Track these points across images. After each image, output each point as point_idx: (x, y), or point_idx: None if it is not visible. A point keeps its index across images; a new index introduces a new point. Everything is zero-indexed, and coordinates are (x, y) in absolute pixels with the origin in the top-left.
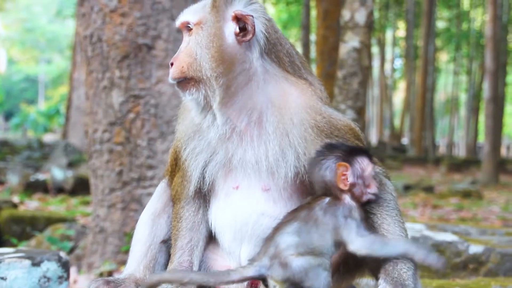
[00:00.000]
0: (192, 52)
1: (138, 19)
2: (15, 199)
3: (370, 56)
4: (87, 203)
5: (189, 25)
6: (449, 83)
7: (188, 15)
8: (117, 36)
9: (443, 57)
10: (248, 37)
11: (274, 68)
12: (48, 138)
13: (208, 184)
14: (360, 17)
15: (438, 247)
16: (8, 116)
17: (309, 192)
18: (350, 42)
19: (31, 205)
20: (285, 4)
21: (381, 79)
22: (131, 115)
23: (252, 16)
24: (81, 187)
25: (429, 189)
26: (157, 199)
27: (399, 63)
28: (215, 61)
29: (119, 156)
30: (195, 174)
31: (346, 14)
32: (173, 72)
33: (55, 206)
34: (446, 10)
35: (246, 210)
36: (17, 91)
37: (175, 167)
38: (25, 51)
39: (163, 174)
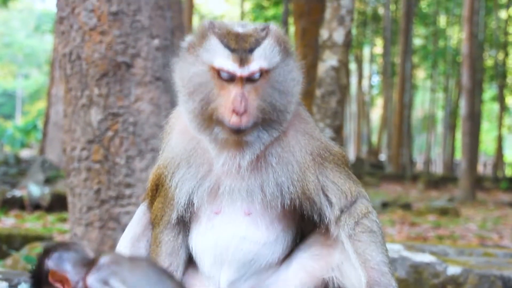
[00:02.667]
0: (269, 98)
1: (117, 37)
2: None
3: (347, 73)
4: (64, 220)
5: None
6: (426, 100)
7: (259, 62)
8: (96, 54)
9: (420, 74)
10: None
11: None
12: (25, 153)
13: (192, 211)
14: (338, 36)
15: (416, 268)
16: None
17: (293, 215)
18: (328, 61)
19: (8, 222)
20: (263, 20)
21: (358, 95)
22: (110, 133)
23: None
24: (58, 203)
25: (406, 206)
26: (136, 222)
27: (376, 79)
28: (294, 103)
29: (97, 174)
30: (180, 202)
31: (324, 33)
32: (247, 121)
33: (32, 223)
34: (423, 28)
35: (227, 234)
36: None
37: (156, 192)
38: (3, 66)
39: (143, 197)
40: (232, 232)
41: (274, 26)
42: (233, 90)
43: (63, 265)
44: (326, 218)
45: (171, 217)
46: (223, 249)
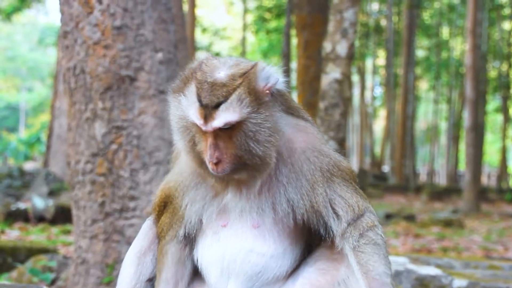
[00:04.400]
0: (243, 147)
1: (121, 51)
2: None
3: (350, 85)
4: (67, 232)
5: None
6: (429, 112)
7: (225, 116)
8: (100, 68)
9: (423, 86)
10: (273, 97)
11: (286, 118)
12: (28, 166)
13: (199, 227)
14: (342, 49)
15: (422, 281)
16: None
17: (301, 229)
18: (332, 74)
19: (12, 234)
20: (265, 32)
21: (361, 107)
22: (114, 146)
23: (277, 81)
24: (61, 216)
25: (410, 218)
26: (143, 237)
27: (379, 91)
28: (274, 148)
29: (101, 187)
30: (190, 221)
31: (327, 46)
32: (223, 168)
33: (36, 235)
34: (426, 39)
35: (234, 246)
36: None
37: (163, 208)
38: (7, 79)
39: (147, 211)
40: (239, 244)
41: (259, 67)
42: (208, 139)
43: None
44: (333, 231)
45: (178, 232)
46: (230, 261)
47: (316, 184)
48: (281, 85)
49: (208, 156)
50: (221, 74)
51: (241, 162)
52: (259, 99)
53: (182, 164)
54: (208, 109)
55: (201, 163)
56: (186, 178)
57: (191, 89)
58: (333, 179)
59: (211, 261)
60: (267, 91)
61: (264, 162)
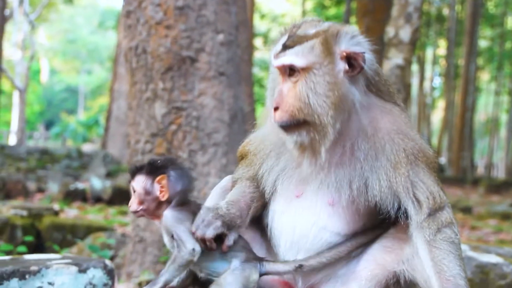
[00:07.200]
0: (302, 96)
1: (182, 32)
2: (55, 206)
3: (410, 73)
4: (124, 213)
5: (293, 68)
6: (489, 103)
7: (293, 58)
8: (161, 48)
9: (484, 77)
10: (356, 72)
11: (374, 98)
12: (87, 147)
13: (273, 193)
14: (405, 34)
15: (483, 269)
16: (48, 125)
17: (374, 211)
18: (394, 59)
19: (71, 213)
20: (324, 19)
21: (419, 97)
22: (173, 127)
23: (362, 52)
24: (118, 197)
25: (467, 210)
26: (226, 181)
27: (438, 81)
28: (332, 107)
29: None
30: (265, 187)
31: (390, 31)
32: (281, 116)
33: (94, 215)
34: (489, 29)
35: (308, 221)
36: (58, 100)
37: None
38: (67, 61)
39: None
40: (312, 220)
41: (344, 29)
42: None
43: (176, 183)
44: (410, 217)
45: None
46: (301, 236)
47: (399, 164)
48: (368, 61)
49: (274, 99)
50: (311, 30)
51: (299, 117)
52: (329, 55)
53: (266, 132)
54: (280, 48)
55: None
56: (267, 147)
57: (284, 38)
58: (417, 163)
59: (281, 231)
60: (344, 54)
61: (322, 121)
